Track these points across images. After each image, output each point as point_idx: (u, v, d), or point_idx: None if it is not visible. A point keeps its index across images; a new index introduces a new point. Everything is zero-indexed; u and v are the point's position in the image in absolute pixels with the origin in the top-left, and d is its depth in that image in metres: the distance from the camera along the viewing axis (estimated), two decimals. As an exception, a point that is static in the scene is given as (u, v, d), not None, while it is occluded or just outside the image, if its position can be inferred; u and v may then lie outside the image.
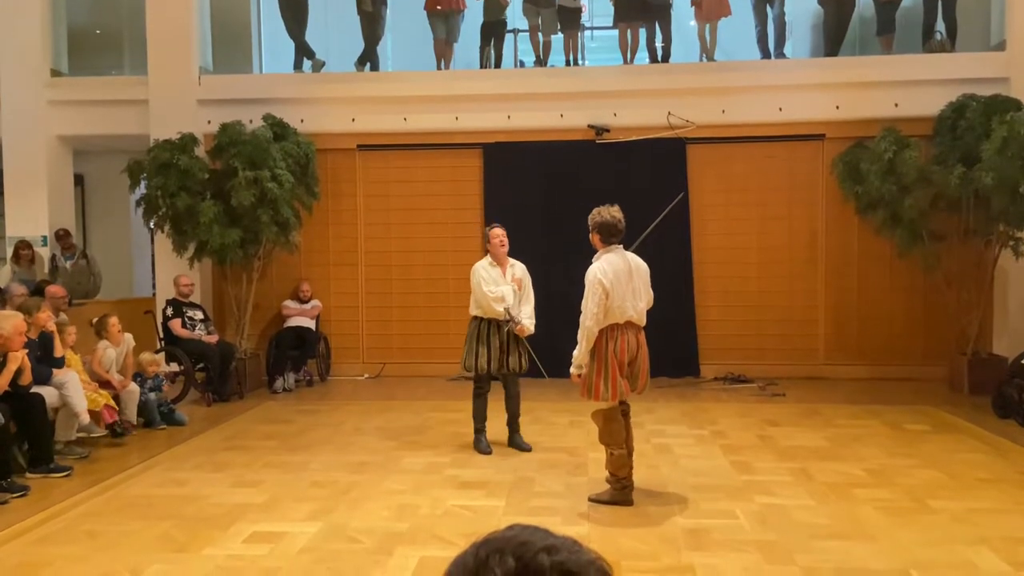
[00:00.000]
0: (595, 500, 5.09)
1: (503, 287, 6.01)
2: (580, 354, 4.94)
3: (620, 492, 5.04)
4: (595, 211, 5.04)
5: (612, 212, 4.99)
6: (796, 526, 4.58)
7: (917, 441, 6.49)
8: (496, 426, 6.34)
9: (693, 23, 9.88)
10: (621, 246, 5.05)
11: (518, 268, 6.21)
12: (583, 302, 4.88)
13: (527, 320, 6.04)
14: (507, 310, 5.93)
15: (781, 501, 5.02)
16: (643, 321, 5.05)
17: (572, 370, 5.01)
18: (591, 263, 4.98)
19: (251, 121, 9.01)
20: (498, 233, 6.15)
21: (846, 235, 9.35)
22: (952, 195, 8.10)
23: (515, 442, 6.31)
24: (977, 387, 8.04)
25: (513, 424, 6.34)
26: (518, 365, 6.11)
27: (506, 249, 6.15)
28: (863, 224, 9.02)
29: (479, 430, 6.31)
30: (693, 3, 9.63)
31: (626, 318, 4.91)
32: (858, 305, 9.38)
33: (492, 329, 6.05)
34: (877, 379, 9.06)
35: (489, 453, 6.15)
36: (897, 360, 9.23)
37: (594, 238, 5.03)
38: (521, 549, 0.86)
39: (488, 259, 6.19)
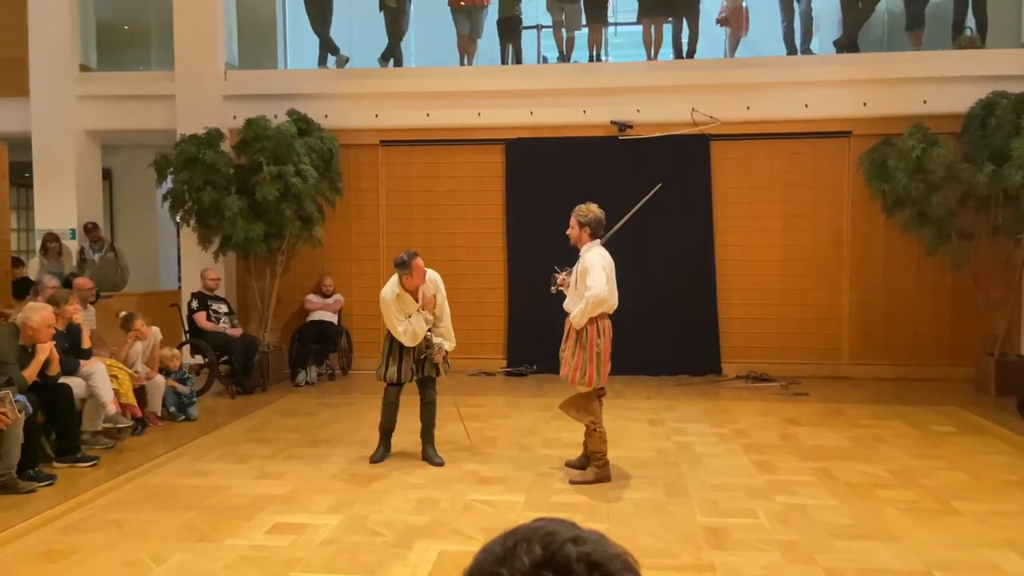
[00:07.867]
0: (578, 482, 5.32)
1: (413, 319, 5.70)
2: (577, 316, 5.11)
3: (603, 469, 5.32)
4: (584, 208, 5.30)
5: (599, 210, 5.31)
6: (818, 526, 4.55)
7: (942, 442, 6.42)
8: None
9: (718, 25, 9.86)
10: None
11: (430, 285, 5.75)
12: (587, 279, 5.06)
13: (446, 343, 5.85)
14: (427, 337, 5.75)
15: (803, 501, 4.98)
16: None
17: (574, 319, 5.16)
18: (586, 257, 5.21)
19: (276, 116, 9.07)
20: (421, 267, 5.67)
21: (872, 233, 9.25)
22: (981, 193, 7.99)
23: (427, 455, 5.89)
24: (1004, 388, 7.94)
25: (426, 435, 5.94)
26: (434, 369, 5.87)
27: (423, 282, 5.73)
28: (889, 222, 8.91)
29: (382, 439, 6.00)
30: (719, 22, 9.65)
31: (614, 308, 5.26)
32: (883, 304, 9.28)
33: (406, 349, 5.82)
34: (902, 379, 8.96)
35: (377, 461, 5.85)
36: (923, 360, 9.12)
37: (583, 232, 5.29)
38: (548, 539, 0.87)
39: (396, 284, 5.67)
